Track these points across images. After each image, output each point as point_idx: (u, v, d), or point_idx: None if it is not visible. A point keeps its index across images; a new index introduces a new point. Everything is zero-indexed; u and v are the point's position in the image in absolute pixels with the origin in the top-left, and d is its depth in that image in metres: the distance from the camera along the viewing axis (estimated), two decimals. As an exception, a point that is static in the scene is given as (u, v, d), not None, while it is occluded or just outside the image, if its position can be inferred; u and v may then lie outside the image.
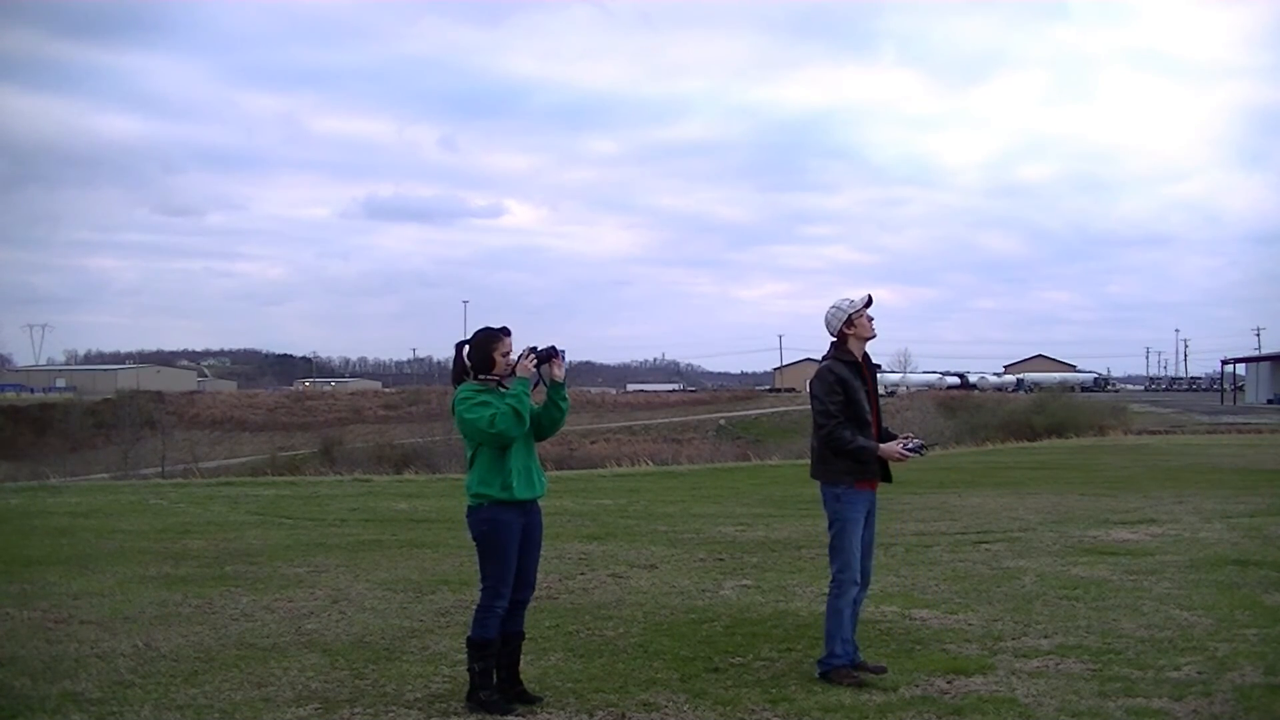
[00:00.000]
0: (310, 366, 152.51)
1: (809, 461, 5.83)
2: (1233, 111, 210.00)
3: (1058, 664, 5.78)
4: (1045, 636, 6.40)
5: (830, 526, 5.64)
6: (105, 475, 38.50)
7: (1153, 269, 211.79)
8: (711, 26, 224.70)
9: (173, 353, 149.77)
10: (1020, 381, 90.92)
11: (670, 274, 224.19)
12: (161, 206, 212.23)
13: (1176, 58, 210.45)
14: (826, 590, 5.71)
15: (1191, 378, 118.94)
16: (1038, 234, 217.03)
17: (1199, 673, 5.55)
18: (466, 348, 5.27)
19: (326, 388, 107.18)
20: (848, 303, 5.71)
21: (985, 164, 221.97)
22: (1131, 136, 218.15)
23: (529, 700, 5.18)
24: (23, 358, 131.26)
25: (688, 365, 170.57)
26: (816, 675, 5.54)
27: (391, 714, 5.06)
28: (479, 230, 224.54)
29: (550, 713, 5.08)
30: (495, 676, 5.16)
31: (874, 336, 5.75)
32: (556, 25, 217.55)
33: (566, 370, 5.37)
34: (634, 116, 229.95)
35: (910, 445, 5.55)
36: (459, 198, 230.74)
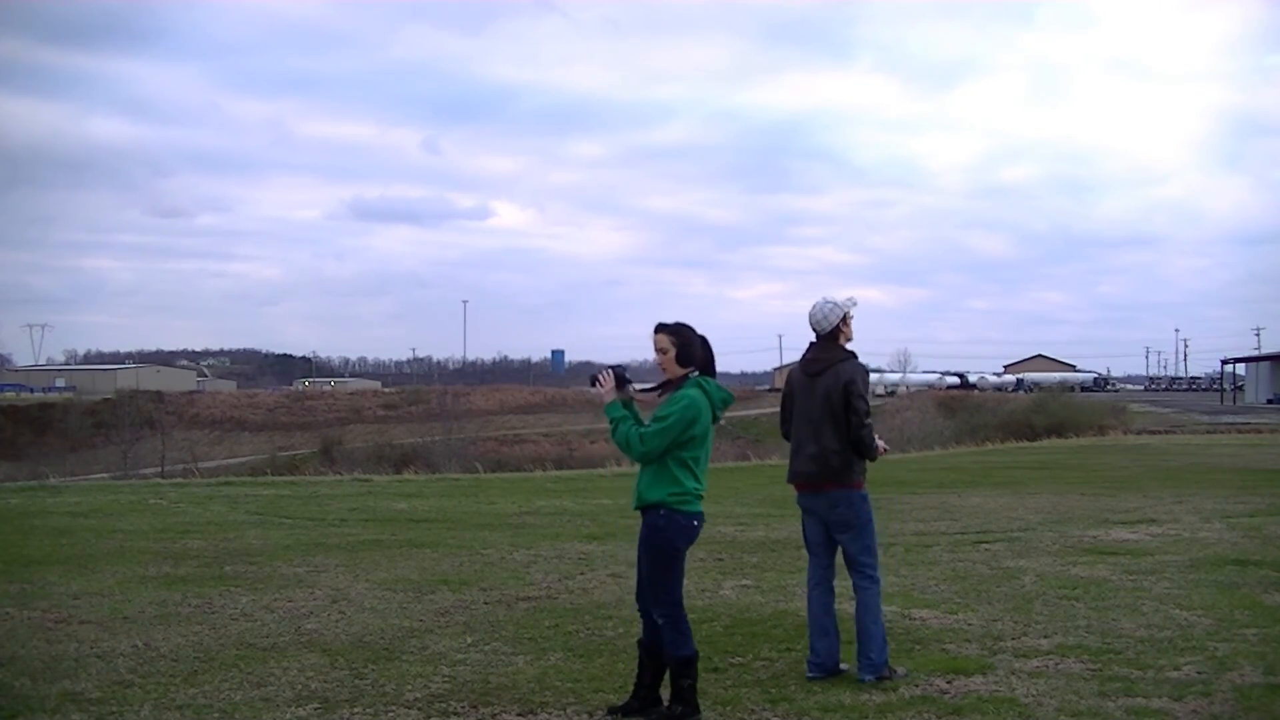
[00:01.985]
0: (310, 366, 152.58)
1: (816, 466, 5.62)
2: (1206, 116, 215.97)
3: (1057, 664, 5.78)
4: (1045, 636, 6.40)
5: (861, 529, 5.62)
6: (105, 475, 38.50)
7: (1142, 270, 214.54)
8: (682, 34, 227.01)
9: (172, 352, 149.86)
10: (1020, 381, 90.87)
11: (663, 274, 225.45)
12: (152, 209, 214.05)
13: (1144, 63, 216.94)
14: (856, 596, 5.65)
15: (1191, 377, 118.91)
16: (1025, 235, 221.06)
17: (1199, 673, 5.55)
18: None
19: (326, 387, 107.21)
20: (846, 300, 5.69)
21: (967, 166, 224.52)
22: (1108, 139, 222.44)
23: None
24: (22, 357, 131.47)
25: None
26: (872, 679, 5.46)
27: (391, 714, 5.06)
28: (469, 232, 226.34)
29: (550, 713, 5.08)
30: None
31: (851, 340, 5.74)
32: (535, 33, 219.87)
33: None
34: (616, 121, 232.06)
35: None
36: (446, 199, 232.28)
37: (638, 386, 5.10)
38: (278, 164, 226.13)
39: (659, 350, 4.97)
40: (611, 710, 5.05)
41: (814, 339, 5.69)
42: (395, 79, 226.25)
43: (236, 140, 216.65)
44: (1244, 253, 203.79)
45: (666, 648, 4.92)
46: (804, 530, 5.83)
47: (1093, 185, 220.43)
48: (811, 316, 5.65)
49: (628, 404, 5.00)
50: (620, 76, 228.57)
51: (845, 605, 5.95)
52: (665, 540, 4.90)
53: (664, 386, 5.01)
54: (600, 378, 4.99)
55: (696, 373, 4.98)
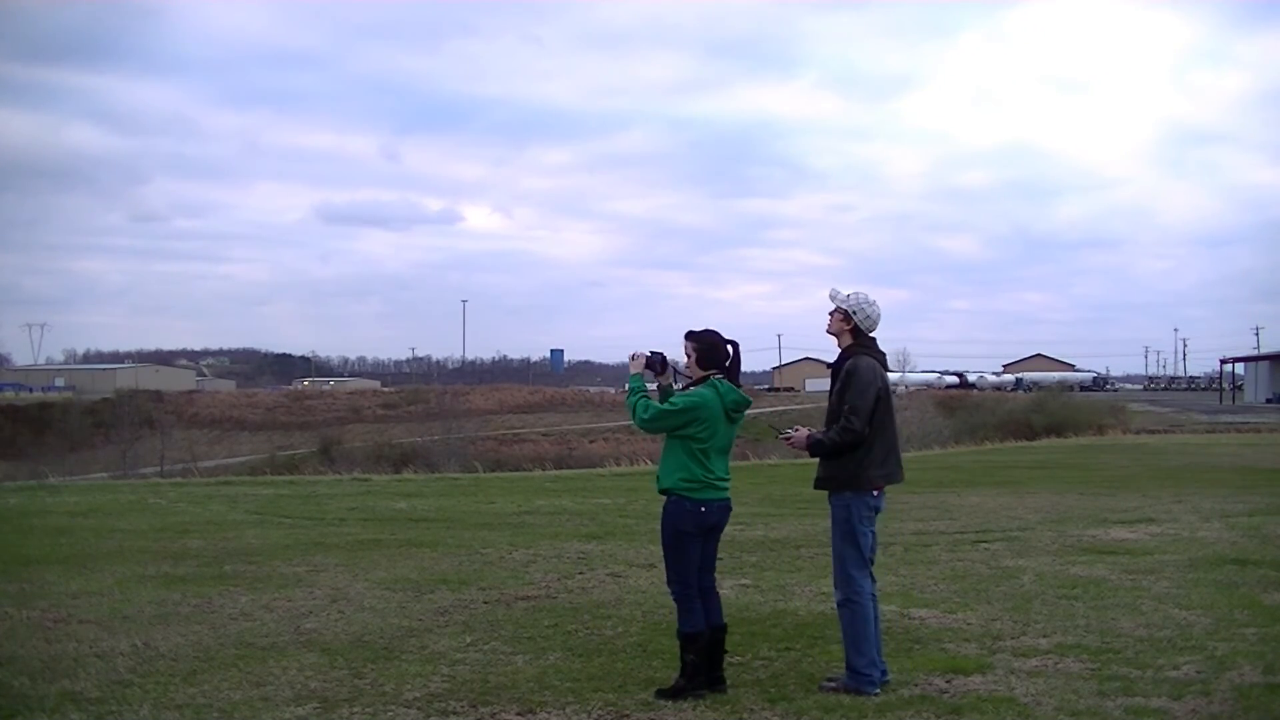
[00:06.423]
0: (309, 366, 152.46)
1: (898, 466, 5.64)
2: (1142, 125, 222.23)
3: (1056, 663, 5.79)
4: (1044, 636, 6.41)
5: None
6: (104, 474, 38.49)
7: (1114, 270, 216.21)
8: (617, 50, 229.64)
9: (171, 352, 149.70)
10: (1019, 381, 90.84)
11: (645, 276, 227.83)
12: (131, 214, 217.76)
13: (1072, 77, 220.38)
14: (846, 596, 5.53)
15: (1190, 377, 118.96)
16: (989, 238, 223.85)
17: (1198, 672, 5.56)
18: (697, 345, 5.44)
19: (325, 387, 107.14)
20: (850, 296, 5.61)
21: (922, 172, 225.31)
22: (1052, 146, 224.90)
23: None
24: (22, 357, 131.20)
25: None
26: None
27: (390, 713, 5.06)
28: (448, 235, 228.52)
29: (549, 712, 5.08)
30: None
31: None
32: (488, 52, 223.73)
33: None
34: (576, 130, 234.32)
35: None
36: (415, 204, 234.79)
37: (674, 382, 5.62)
38: (250, 171, 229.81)
39: (686, 355, 5.49)
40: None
41: (866, 335, 5.59)
42: (360, 93, 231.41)
43: (207, 149, 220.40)
44: (1210, 255, 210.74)
45: (679, 624, 5.38)
46: (870, 538, 5.48)
47: (1048, 189, 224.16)
48: (877, 315, 5.55)
49: (666, 389, 5.59)
50: (565, 90, 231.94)
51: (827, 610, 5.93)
52: (673, 524, 5.41)
53: (691, 385, 5.48)
54: (636, 353, 5.57)
55: (719, 375, 5.42)
